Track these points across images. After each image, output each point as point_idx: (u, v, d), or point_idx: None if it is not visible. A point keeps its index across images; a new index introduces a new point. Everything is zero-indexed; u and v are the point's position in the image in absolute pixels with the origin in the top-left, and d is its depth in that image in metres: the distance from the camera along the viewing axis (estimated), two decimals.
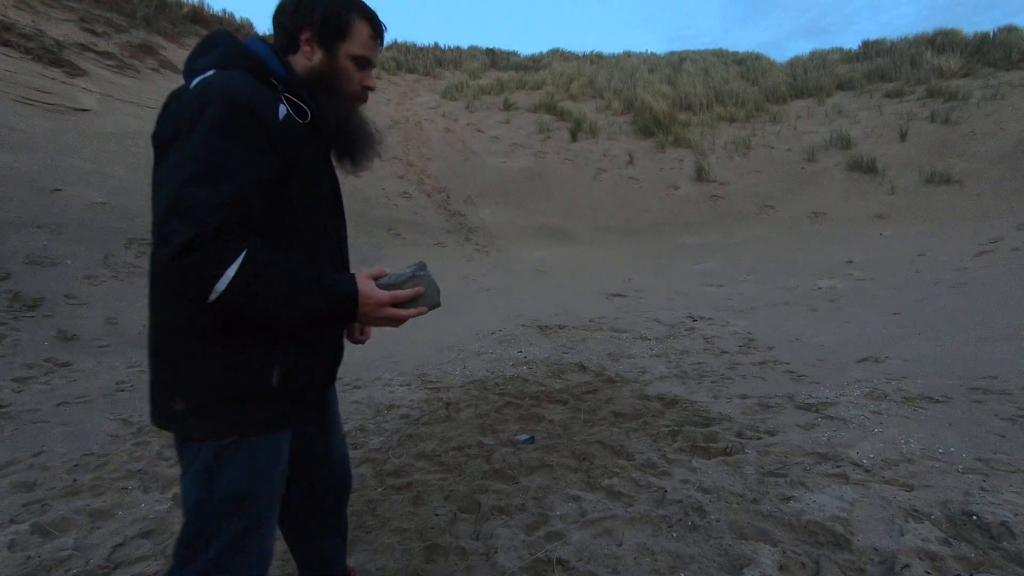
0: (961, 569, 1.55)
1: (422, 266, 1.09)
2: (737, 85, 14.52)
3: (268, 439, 1.07)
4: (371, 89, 1.21)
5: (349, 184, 7.93)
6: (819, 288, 6.17)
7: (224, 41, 1.11)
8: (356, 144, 1.22)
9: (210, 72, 1.02)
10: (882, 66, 13.79)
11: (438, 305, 1.10)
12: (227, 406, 1.01)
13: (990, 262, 6.02)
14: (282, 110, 1.04)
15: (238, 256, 0.88)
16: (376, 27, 1.17)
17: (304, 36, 1.13)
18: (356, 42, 1.14)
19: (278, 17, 1.15)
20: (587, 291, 6.74)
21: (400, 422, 3.03)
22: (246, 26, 16.20)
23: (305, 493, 1.33)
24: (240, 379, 1.01)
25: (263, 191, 0.97)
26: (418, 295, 1.06)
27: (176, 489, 2.27)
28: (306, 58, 1.14)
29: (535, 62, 18.66)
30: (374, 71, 1.19)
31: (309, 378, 1.13)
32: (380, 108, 13.46)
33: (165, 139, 0.97)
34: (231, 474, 1.02)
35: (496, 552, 1.82)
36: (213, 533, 1.01)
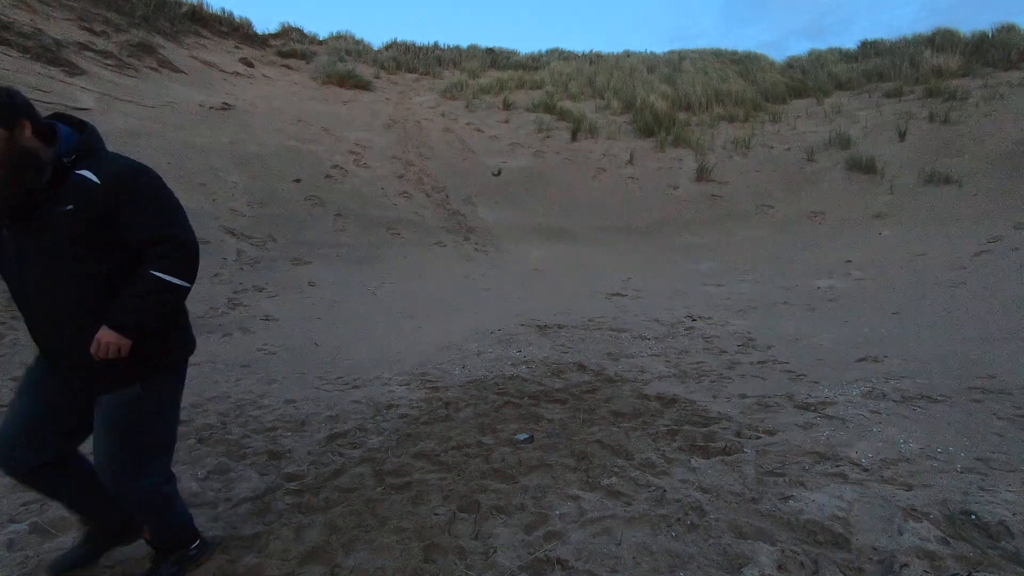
0: (959, 568, 1.55)
1: None
2: (736, 85, 14.53)
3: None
4: None
5: (348, 183, 7.89)
6: (818, 288, 6.18)
7: None
8: None
9: None
10: (881, 66, 13.80)
11: None
12: None
13: (989, 262, 6.03)
14: None
15: None
16: None
17: None
18: None
19: None
20: (586, 291, 6.74)
21: (399, 422, 3.03)
22: (244, 25, 16.17)
23: None
24: None
25: None
26: None
27: None
28: None
29: (534, 61, 18.64)
30: None
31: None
32: (379, 107, 13.45)
33: None
34: None
35: (495, 552, 1.82)
36: None
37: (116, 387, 1.56)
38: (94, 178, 1.48)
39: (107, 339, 1.45)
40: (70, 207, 1.44)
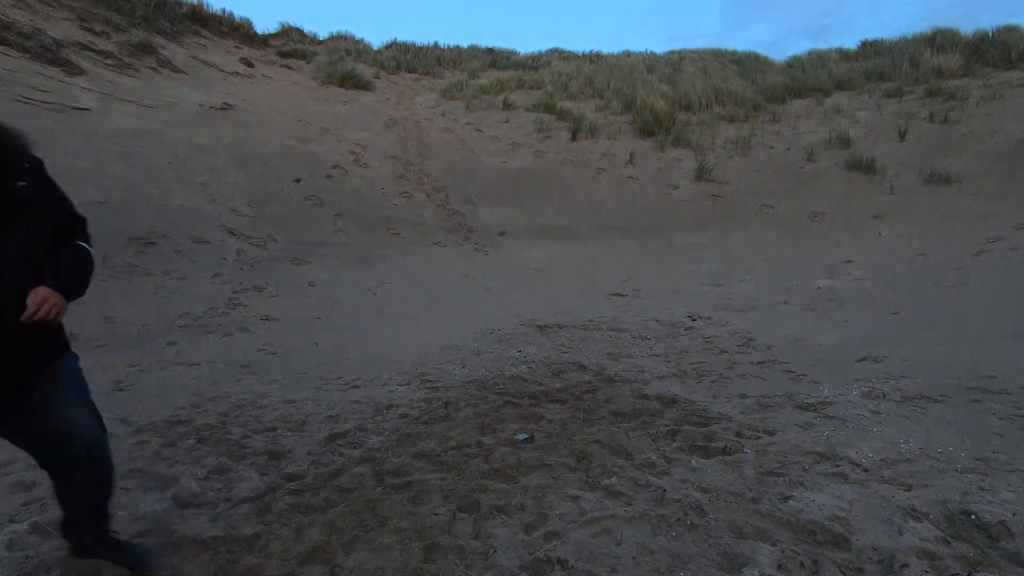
0: (959, 568, 1.55)
1: None
2: (736, 85, 14.53)
3: None
4: None
5: (348, 183, 7.87)
6: (818, 288, 6.18)
7: None
8: None
9: None
10: (881, 66, 13.79)
11: None
12: None
13: (989, 262, 6.03)
14: None
15: None
16: None
17: None
18: None
19: None
20: (586, 290, 6.74)
21: (399, 421, 3.03)
22: (245, 25, 16.17)
23: None
24: None
25: None
26: None
27: (175, 489, 2.27)
28: None
29: (534, 61, 18.63)
30: None
31: None
32: (379, 107, 13.44)
33: None
34: None
35: (495, 551, 1.82)
36: None
37: (66, 348, 1.67)
38: (23, 161, 1.56)
39: (54, 299, 1.48)
40: (24, 183, 1.50)
